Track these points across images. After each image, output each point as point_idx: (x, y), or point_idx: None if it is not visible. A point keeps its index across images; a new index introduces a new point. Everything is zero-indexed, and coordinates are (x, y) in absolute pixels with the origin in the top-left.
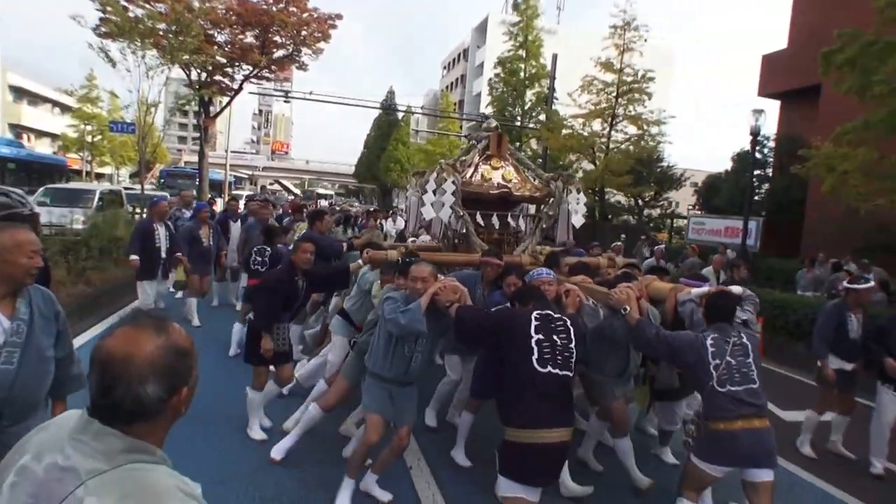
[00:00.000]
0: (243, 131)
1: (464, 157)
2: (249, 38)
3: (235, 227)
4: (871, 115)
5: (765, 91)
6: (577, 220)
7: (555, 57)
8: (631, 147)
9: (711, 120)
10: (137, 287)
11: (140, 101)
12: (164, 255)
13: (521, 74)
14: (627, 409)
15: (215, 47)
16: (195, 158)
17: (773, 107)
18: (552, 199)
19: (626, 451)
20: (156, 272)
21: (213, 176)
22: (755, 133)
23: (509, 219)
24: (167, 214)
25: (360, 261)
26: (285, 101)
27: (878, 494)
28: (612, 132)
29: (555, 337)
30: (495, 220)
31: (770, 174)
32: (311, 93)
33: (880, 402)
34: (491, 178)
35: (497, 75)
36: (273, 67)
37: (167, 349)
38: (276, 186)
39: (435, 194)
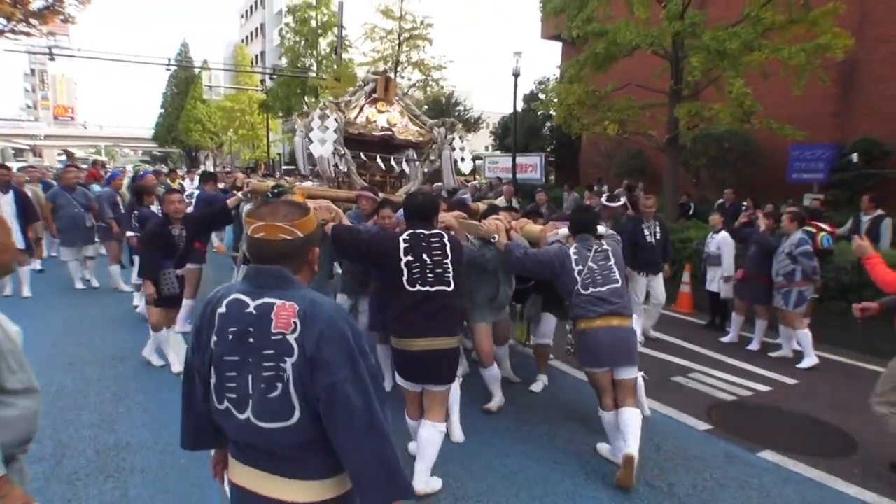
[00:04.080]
0: (16, 95)
1: (349, 98)
2: None
3: (5, 200)
4: (580, 55)
5: (546, 34)
6: (465, 167)
7: (341, 5)
8: (417, 92)
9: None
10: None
11: None
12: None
13: (313, 23)
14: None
15: None
16: None
17: (556, 48)
18: (434, 145)
19: (491, 377)
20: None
21: None
22: (516, 74)
23: (393, 162)
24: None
25: (238, 194)
26: (51, 59)
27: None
28: (398, 79)
29: (425, 256)
30: (380, 162)
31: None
32: (79, 49)
33: (633, 283)
34: (375, 121)
35: (287, 25)
36: (33, 21)
37: None
38: (65, 157)
39: (319, 130)
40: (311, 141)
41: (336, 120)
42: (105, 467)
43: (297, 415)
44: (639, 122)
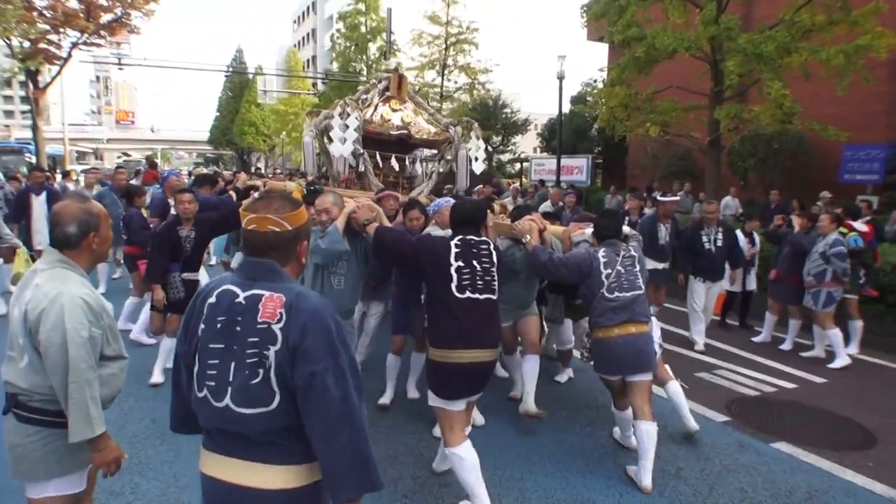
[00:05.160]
0: (82, 101)
1: (364, 96)
2: (73, 1)
3: (38, 202)
4: (621, 58)
5: (592, 36)
6: (478, 167)
7: (389, 11)
8: (464, 95)
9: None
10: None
11: None
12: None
13: (363, 29)
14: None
15: (35, 13)
16: (26, 134)
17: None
18: (451, 144)
19: (514, 365)
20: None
21: (51, 151)
22: (560, 77)
23: (407, 162)
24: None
25: (255, 195)
26: (119, 69)
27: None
28: (445, 82)
29: (475, 262)
30: (394, 163)
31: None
32: (145, 59)
33: (692, 290)
34: (390, 120)
35: (338, 31)
36: (103, 33)
37: (82, 209)
38: (123, 159)
39: (339, 129)
40: (331, 140)
41: (356, 118)
42: (161, 433)
43: (277, 399)
44: (682, 123)
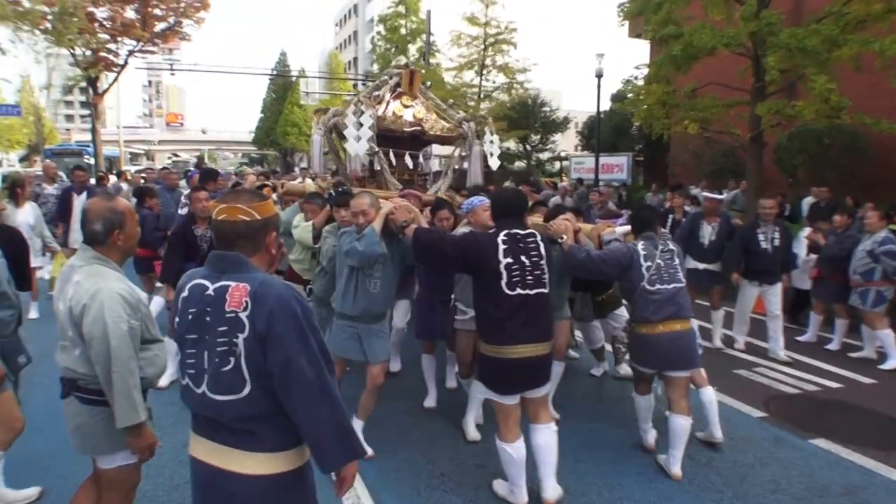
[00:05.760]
0: (135, 105)
1: (376, 92)
2: (130, 12)
3: (80, 201)
4: (658, 56)
5: (633, 33)
6: (493, 163)
7: (429, 13)
8: (502, 95)
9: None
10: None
11: (28, 84)
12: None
13: (403, 31)
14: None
15: (96, 24)
16: (85, 137)
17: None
18: (465, 140)
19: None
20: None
21: (107, 153)
22: (599, 75)
23: (421, 159)
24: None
25: (273, 196)
26: (171, 74)
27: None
28: (483, 82)
29: (523, 257)
30: (408, 160)
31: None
32: (195, 64)
33: (742, 291)
34: (402, 116)
35: (379, 33)
36: (156, 41)
37: (107, 207)
38: (172, 160)
39: (353, 128)
40: (341, 138)
41: (371, 116)
42: None
43: (248, 388)
44: (722, 120)
